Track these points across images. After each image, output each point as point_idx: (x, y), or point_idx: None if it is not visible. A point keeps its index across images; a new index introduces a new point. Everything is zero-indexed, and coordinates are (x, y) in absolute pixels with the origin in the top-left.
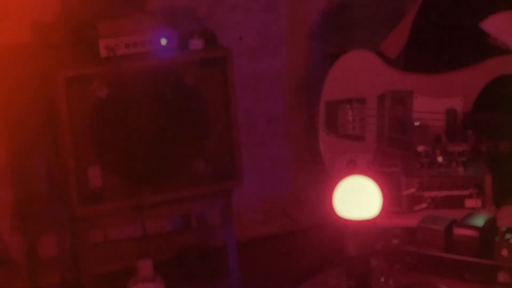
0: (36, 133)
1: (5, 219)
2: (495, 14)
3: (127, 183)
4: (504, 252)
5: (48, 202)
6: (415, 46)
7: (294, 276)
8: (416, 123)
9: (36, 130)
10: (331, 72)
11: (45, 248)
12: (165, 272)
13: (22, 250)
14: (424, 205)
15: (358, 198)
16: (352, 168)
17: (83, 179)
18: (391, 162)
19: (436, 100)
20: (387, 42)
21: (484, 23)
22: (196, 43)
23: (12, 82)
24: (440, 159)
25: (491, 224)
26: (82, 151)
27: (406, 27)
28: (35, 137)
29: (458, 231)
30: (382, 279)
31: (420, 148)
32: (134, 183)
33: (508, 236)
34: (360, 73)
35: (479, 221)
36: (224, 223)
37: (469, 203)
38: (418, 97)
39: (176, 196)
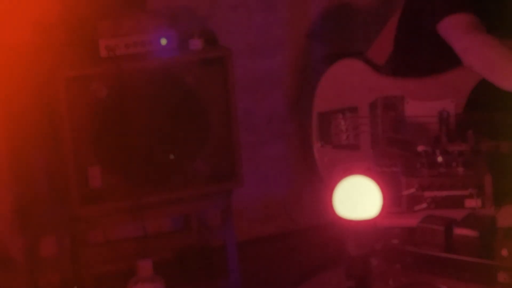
0: (36, 133)
1: (5, 219)
2: (446, 17)
3: (127, 183)
4: (504, 252)
5: (48, 202)
6: (402, 51)
7: (294, 276)
8: None
9: (36, 130)
10: (321, 83)
11: (45, 248)
12: (165, 272)
13: (22, 250)
14: (424, 205)
15: (358, 198)
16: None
17: (83, 179)
18: (391, 162)
19: (427, 103)
20: (374, 48)
21: (438, 26)
22: (196, 43)
23: (12, 82)
24: (440, 159)
25: (491, 224)
26: (82, 151)
27: (391, 32)
28: (35, 137)
29: (458, 231)
30: (391, 282)
31: (420, 148)
32: (134, 183)
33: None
34: (350, 82)
35: (479, 221)
36: (224, 223)
37: (469, 203)
38: (410, 101)
39: (176, 196)
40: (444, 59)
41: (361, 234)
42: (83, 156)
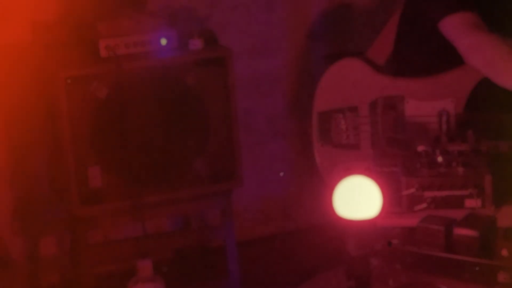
0: (36, 133)
1: (5, 219)
2: (448, 16)
3: (127, 183)
4: (504, 252)
5: (48, 202)
6: (402, 51)
7: (294, 276)
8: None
9: (36, 130)
10: (321, 83)
11: (45, 248)
12: (165, 272)
13: (22, 250)
14: (424, 205)
15: (358, 198)
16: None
17: (83, 179)
18: (391, 162)
19: (427, 103)
20: (374, 48)
21: (440, 25)
22: (196, 43)
23: (12, 82)
24: (440, 159)
25: (491, 224)
26: (82, 151)
27: (391, 32)
28: (35, 137)
29: (458, 231)
30: (391, 282)
31: (420, 148)
32: (134, 183)
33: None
34: (350, 81)
35: (479, 221)
36: (224, 223)
37: (469, 203)
38: (410, 101)
39: (176, 196)
40: (444, 59)
41: (361, 234)
42: (83, 156)
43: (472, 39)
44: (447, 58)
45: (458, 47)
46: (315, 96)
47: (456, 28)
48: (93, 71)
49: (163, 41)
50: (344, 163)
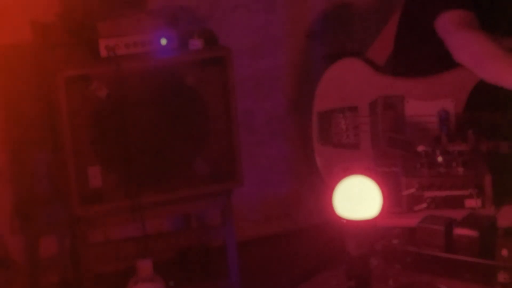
0: (36, 133)
1: (5, 219)
2: (441, 13)
3: (127, 183)
4: (504, 252)
5: (48, 202)
6: (402, 51)
7: (294, 276)
8: None
9: (36, 130)
10: (321, 83)
11: (45, 248)
12: (165, 272)
13: (22, 250)
14: (424, 205)
15: (358, 198)
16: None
17: (83, 179)
18: (391, 162)
19: (427, 103)
20: (374, 49)
21: (434, 24)
22: (196, 43)
23: (12, 82)
24: (440, 159)
25: (491, 224)
26: (82, 151)
27: (391, 32)
28: (35, 137)
29: (458, 231)
30: (391, 282)
31: (420, 148)
32: (134, 183)
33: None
34: (350, 81)
35: (479, 221)
36: (224, 223)
37: (469, 203)
38: (410, 101)
39: (176, 196)
40: (444, 59)
41: (361, 234)
42: (83, 156)
43: (459, 36)
44: (447, 58)
45: (447, 44)
46: (315, 96)
47: (446, 26)
48: (93, 71)
49: (163, 41)
50: (344, 163)
